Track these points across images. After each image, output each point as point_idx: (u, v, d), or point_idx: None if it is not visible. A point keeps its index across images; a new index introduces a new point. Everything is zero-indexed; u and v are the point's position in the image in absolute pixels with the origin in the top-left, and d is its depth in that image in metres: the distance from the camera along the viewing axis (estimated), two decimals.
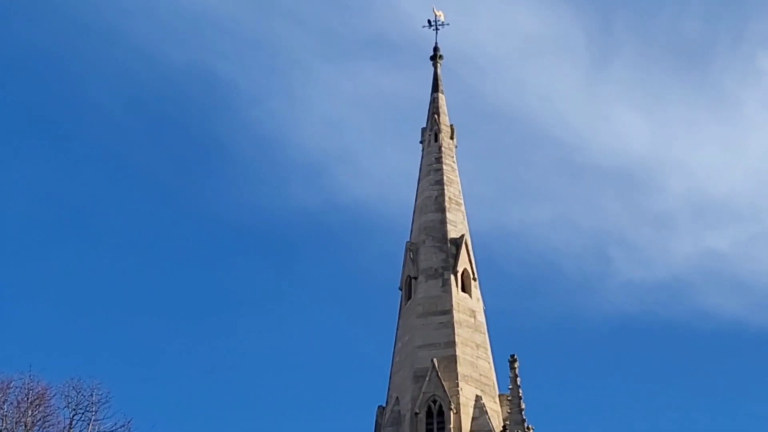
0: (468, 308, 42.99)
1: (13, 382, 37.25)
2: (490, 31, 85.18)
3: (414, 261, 43.92)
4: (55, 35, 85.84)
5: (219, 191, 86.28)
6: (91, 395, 38.41)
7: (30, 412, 36.77)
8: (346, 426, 66.30)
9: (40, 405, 37.26)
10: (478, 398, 40.62)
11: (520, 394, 39.35)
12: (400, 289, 44.38)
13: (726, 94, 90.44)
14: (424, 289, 43.22)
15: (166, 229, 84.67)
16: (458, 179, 46.78)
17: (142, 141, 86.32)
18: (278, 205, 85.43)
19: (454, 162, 47.22)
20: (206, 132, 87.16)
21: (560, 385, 75.30)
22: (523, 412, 38.90)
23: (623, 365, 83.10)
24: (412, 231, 45.47)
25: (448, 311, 42.44)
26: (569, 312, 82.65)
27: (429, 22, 50.12)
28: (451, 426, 39.59)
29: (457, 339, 41.72)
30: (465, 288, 43.53)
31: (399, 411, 40.66)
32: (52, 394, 37.93)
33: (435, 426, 39.78)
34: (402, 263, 44.60)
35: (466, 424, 39.86)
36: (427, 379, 40.42)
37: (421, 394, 40.17)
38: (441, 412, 39.93)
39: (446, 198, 45.58)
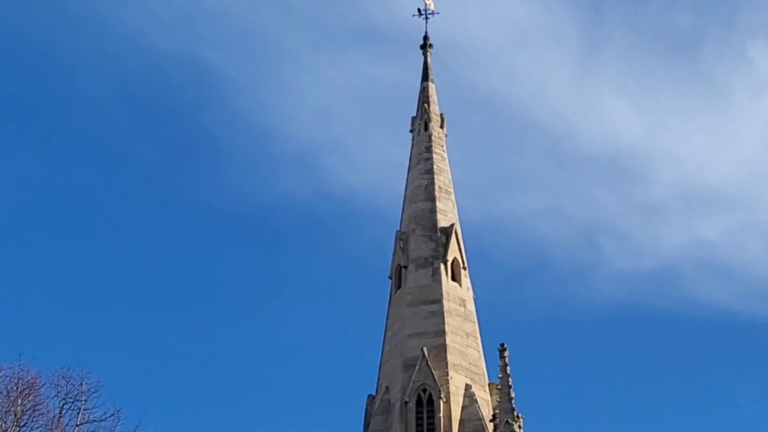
0: (458, 297, 43.03)
1: (2, 372, 37.21)
2: (480, 20, 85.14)
3: (404, 250, 43.93)
4: (45, 24, 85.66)
5: (209, 180, 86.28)
6: (81, 384, 38.39)
7: (20, 402, 36.74)
8: (337, 415, 66.40)
9: (29, 394, 37.23)
10: (467, 387, 40.67)
11: (510, 383, 39.39)
12: (390, 278, 44.41)
13: (716, 84, 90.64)
14: (414, 278, 43.25)
15: (155, 219, 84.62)
16: (448, 168, 46.80)
17: (131, 130, 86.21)
18: (268, 195, 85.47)
19: (444, 151, 47.22)
20: (196, 122, 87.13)
21: (550, 374, 75.47)
22: (512, 401, 38.94)
23: (613, 354, 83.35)
24: (402, 220, 45.48)
25: (438, 300, 42.47)
26: (559, 301, 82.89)
27: (419, 10, 50.15)
28: (441, 415, 39.64)
29: (446, 328, 41.76)
30: (455, 277, 43.57)
31: (389, 400, 40.71)
32: (41, 384, 37.89)
33: (425, 415, 39.82)
34: (392, 252, 44.62)
35: (456, 412, 39.91)
36: (416, 368, 40.45)
37: (411, 383, 40.21)
38: (431, 401, 39.97)
39: (436, 187, 45.59)
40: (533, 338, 73.73)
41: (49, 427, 37.11)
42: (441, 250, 43.73)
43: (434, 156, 46.63)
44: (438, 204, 45.09)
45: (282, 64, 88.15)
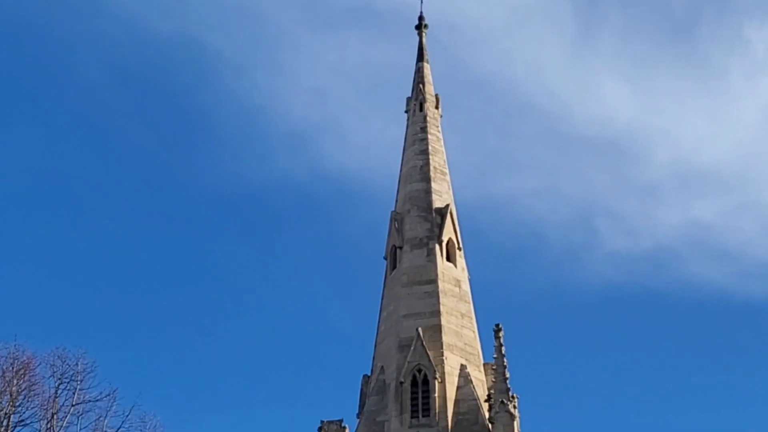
0: (453, 278, 43.06)
1: None
2: (475, 0, 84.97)
3: (399, 231, 43.94)
4: (40, 4, 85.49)
5: (203, 161, 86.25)
6: (77, 364, 38.53)
7: (15, 382, 36.84)
8: (332, 395, 66.49)
9: (25, 374, 37.33)
10: (463, 367, 40.73)
11: (505, 363, 39.50)
12: (385, 258, 44.42)
13: (712, 64, 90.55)
14: (409, 258, 43.26)
15: (150, 199, 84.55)
16: (443, 149, 46.75)
17: (127, 111, 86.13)
18: (263, 175, 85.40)
19: (439, 131, 47.17)
20: (191, 102, 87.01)
21: (545, 354, 75.68)
22: (507, 381, 39.06)
23: (608, 335, 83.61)
24: (397, 201, 45.47)
25: (433, 281, 42.51)
26: (554, 282, 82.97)
27: None
28: (436, 395, 39.70)
29: (442, 308, 41.80)
30: (450, 257, 43.59)
31: (384, 380, 40.78)
32: (37, 364, 38.03)
33: (420, 395, 39.88)
34: (387, 233, 44.62)
35: (451, 392, 39.98)
36: (412, 348, 40.51)
37: (406, 363, 40.26)
38: (426, 381, 40.03)
39: (431, 168, 45.57)
40: (528, 319, 73.97)
41: (45, 407, 37.23)
42: (436, 230, 43.73)
43: (429, 136, 46.60)
44: (433, 184, 45.07)
45: (277, 44, 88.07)
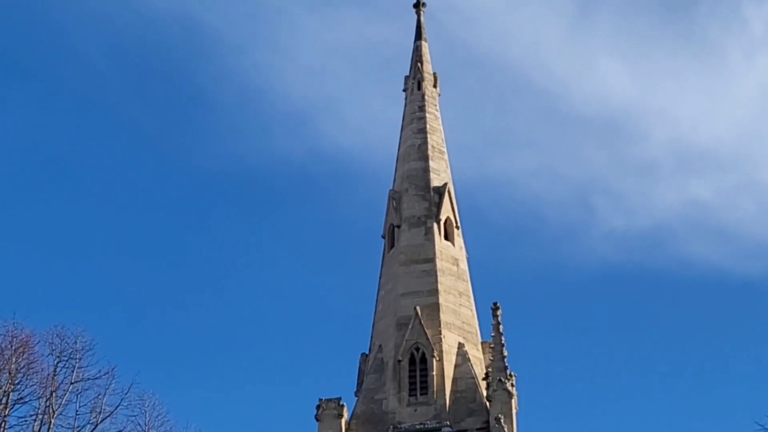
0: (451, 256, 43.10)
1: None
2: None
3: (397, 209, 43.96)
4: None
5: (201, 140, 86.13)
6: (75, 343, 38.57)
7: (14, 360, 36.88)
8: (330, 373, 66.55)
9: (24, 352, 37.37)
10: (460, 345, 40.81)
11: (503, 342, 39.59)
12: (383, 237, 44.45)
13: (710, 43, 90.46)
14: (406, 237, 43.29)
15: (148, 178, 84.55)
16: (441, 128, 46.74)
17: (123, 89, 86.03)
18: (261, 154, 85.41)
19: (437, 110, 47.15)
20: (189, 81, 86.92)
21: (543, 332, 75.85)
22: (505, 360, 39.16)
23: (605, 313, 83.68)
24: (395, 179, 45.47)
25: (431, 259, 42.55)
26: (552, 260, 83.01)
27: None
28: (434, 373, 39.79)
29: (439, 287, 41.86)
30: (448, 236, 43.63)
31: (382, 358, 40.86)
32: (35, 342, 38.05)
33: (418, 373, 39.96)
34: (385, 211, 44.64)
35: (449, 371, 40.06)
36: (409, 326, 40.58)
37: (404, 342, 40.34)
38: (424, 360, 40.11)
39: (429, 146, 45.55)
40: (526, 297, 74.07)
41: (44, 385, 37.27)
42: (434, 209, 43.74)
43: (427, 115, 46.56)
44: (431, 163, 45.07)
45: (275, 23, 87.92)
